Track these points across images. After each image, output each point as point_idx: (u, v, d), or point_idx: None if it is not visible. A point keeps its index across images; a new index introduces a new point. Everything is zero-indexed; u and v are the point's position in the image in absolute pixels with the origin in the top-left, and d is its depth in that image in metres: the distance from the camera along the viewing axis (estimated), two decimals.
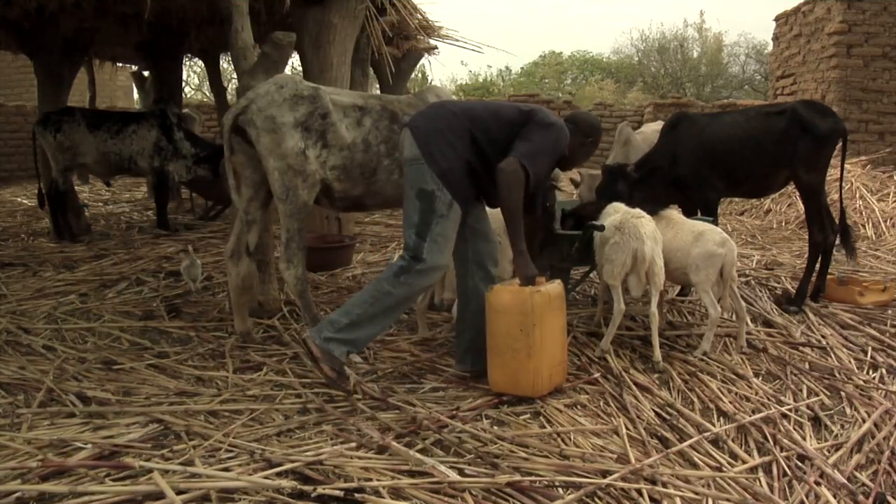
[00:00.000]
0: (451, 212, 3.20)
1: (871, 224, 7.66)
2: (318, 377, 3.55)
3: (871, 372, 3.80)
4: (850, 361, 3.90)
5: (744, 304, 4.11)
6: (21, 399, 3.27)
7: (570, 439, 2.94)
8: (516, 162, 3.12)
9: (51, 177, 7.05)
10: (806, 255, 4.98)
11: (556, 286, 3.37)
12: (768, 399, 3.40)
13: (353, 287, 5.19)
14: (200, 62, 12.48)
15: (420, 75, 20.24)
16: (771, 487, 2.67)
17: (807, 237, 5.01)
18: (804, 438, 3.04)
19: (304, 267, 3.79)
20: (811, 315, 4.56)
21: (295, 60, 15.23)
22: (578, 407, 3.27)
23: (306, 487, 2.38)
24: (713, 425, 3.13)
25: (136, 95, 16.37)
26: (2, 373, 3.52)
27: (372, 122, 3.88)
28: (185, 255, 5.17)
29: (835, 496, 2.59)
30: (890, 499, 2.65)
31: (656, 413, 3.24)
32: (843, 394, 3.49)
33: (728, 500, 2.52)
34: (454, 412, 3.09)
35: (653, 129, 8.21)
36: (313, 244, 5.84)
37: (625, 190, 4.77)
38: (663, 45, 25.25)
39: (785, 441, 2.97)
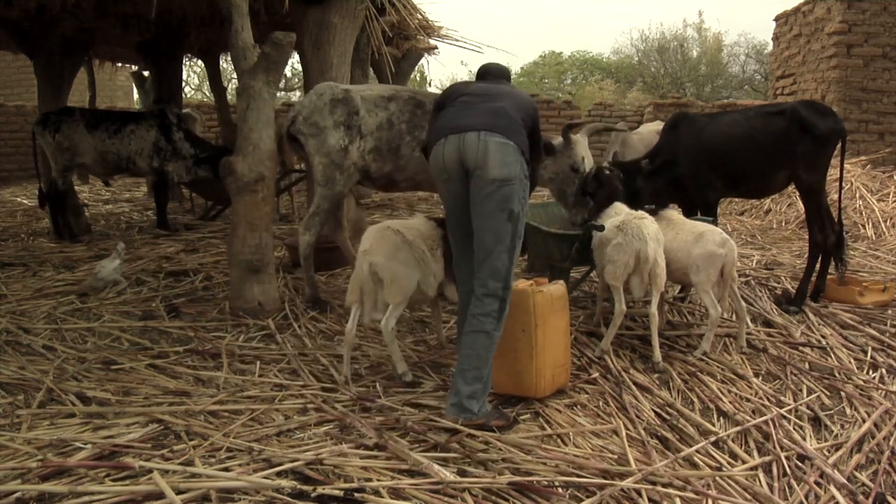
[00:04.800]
0: (523, 231, 3.09)
1: (870, 224, 7.65)
2: (315, 379, 3.56)
3: (871, 372, 3.80)
4: (850, 361, 3.90)
5: (744, 304, 4.11)
6: (21, 399, 3.27)
7: (570, 439, 2.94)
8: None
9: (50, 177, 7.05)
10: (806, 255, 4.98)
11: (558, 287, 3.36)
12: (768, 399, 3.41)
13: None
14: (200, 62, 12.48)
15: (419, 75, 20.23)
16: (771, 487, 2.67)
17: (807, 237, 5.01)
18: (804, 438, 3.05)
19: (316, 238, 4.46)
20: (811, 315, 4.56)
21: (295, 60, 15.25)
22: (578, 407, 3.27)
23: (306, 487, 2.38)
24: (713, 425, 3.13)
25: (136, 95, 16.38)
26: (2, 373, 3.52)
27: (397, 106, 4.46)
28: (115, 253, 5.12)
29: (835, 496, 2.59)
30: (890, 499, 2.66)
31: (656, 413, 3.24)
32: (843, 394, 3.50)
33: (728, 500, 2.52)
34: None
35: (649, 129, 8.21)
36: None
37: (644, 187, 4.73)
38: (663, 45, 25.21)
39: (785, 441, 2.98)
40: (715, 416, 3.27)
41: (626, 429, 3.02)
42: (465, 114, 3.12)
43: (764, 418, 3.14)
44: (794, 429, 3.12)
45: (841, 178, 5.07)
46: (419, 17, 7.30)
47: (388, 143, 4.44)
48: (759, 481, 2.69)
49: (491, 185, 2.96)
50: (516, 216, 2.99)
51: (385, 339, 3.46)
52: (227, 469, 2.54)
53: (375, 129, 4.39)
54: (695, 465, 2.78)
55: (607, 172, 4.35)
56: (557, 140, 4.52)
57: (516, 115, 3.11)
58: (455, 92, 3.35)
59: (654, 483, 2.55)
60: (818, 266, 4.80)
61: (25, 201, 9.94)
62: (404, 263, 3.40)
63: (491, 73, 3.48)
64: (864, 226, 7.66)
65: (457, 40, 8.01)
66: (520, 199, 3.00)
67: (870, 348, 4.06)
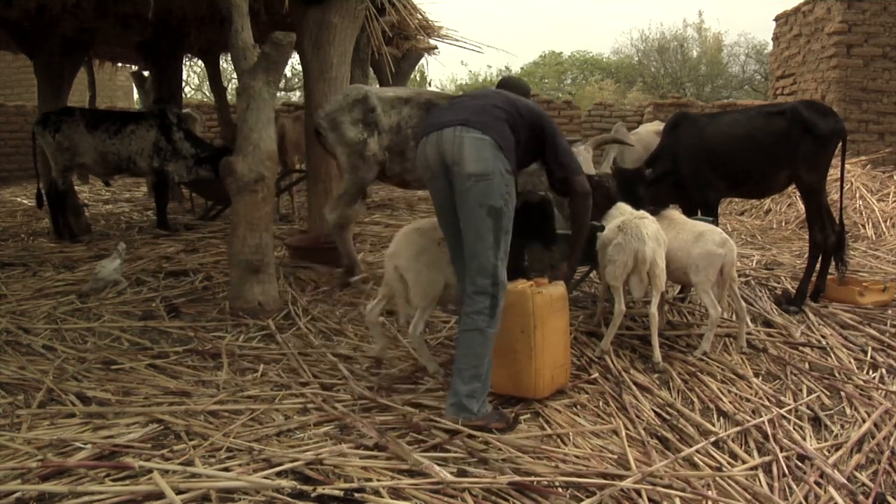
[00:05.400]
0: (511, 225, 3.05)
1: (870, 224, 7.65)
2: (315, 378, 3.56)
3: (871, 372, 3.80)
4: (850, 361, 3.90)
5: (744, 304, 4.11)
6: (21, 399, 3.27)
7: (570, 439, 2.94)
8: (585, 180, 3.32)
9: (50, 177, 7.05)
10: (806, 255, 4.98)
11: (558, 287, 3.36)
12: (768, 399, 3.41)
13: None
14: (200, 62, 12.48)
15: (420, 75, 20.22)
16: (771, 487, 2.67)
17: (807, 237, 5.01)
18: (804, 438, 3.05)
19: (341, 216, 4.79)
20: (811, 315, 4.56)
21: (295, 60, 15.22)
22: (578, 407, 3.27)
23: (306, 487, 2.38)
24: (713, 425, 3.13)
25: (136, 95, 16.37)
26: (2, 373, 3.52)
27: (409, 110, 4.68)
28: (115, 253, 5.14)
29: (834, 497, 2.59)
30: (890, 499, 2.66)
31: (656, 413, 3.24)
32: (843, 394, 3.50)
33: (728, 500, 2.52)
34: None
35: (647, 129, 8.19)
36: (312, 244, 5.84)
37: (644, 193, 4.72)
38: (663, 45, 25.20)
39: (785, 441, 2.98)
40: (715, 416, 3.27)
41: (626, 429, 3.02)
42: (447, 112, 3.15)
43: (764, 418, 3.14)
44: (794, 429, 3.12)
45: (842, 179, 5.06)
46: (419, 17, 7.29)
47: (397, 146, 4.67)
48: (759, 481, 2.69)
49: (468, 181, 2.94)
50: (498, 211, 2.95)
51: (413, 343, 3.57)
52: (227, 469, 2.54)
53: (388, 130, 4.70)
54: (695, 465, 2.78)
55: (596, 178, 4.35)
56: None
57: (500, 112, 3.07)
58: (452, 97, 3.37)
59: (654, 483, 2.55)
60: (818, 266, 4.80)
61: (25, 201, 9.94)
62: (428, 266, 3.40)
63: (508, 86, 3.53)
64: (864, 226, 7.66)
65: (457, 40, 8.01)
66: (502, 195, 2.95)
67: (870, 348, 4.06)
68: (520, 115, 3.14)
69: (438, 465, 2.58)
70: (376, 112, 4.64)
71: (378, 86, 9.55)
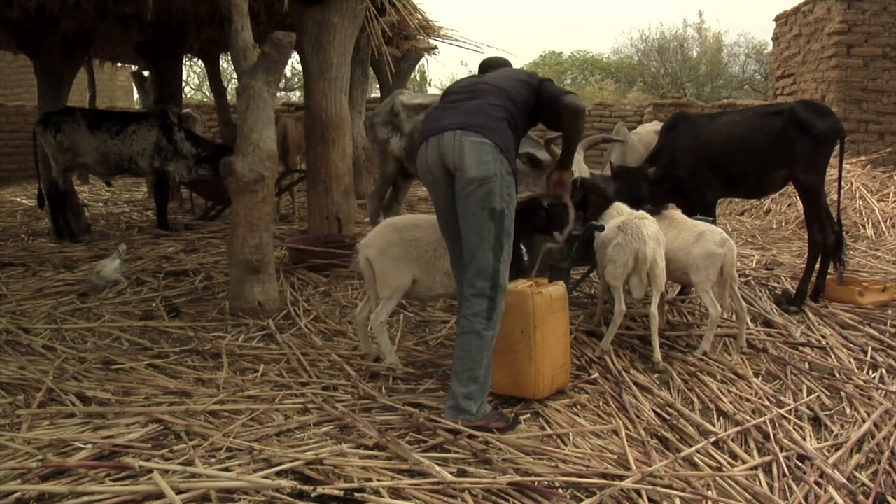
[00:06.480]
0: (512, 227, 3.01)
1: (870, 224, 7.65)
2: (315, 378, 3.56)
3: (871, 372, 3.80)
4: (850, 361, 3.90)
5: (744, 304, 4.11)
6: (21, 399, 3.26)
7: (570, 439, 2.94)
8: (574, 95, 3.13)
9: (51, 177, 7.05)
10: (806, 255, 4.98)
11: (558, 287, 3.35)
12: (768, 399, 3.41)
13: (353, 287, 5.20)
14: (200, 62, 12.48)
15: (419, 75, 20.22)
16: (771, 487, 2.67)
17: (807, 237, 5.01)
18: (804, 438, 3.04)
19: (379, 206, 5.76)
20: (811, 315, 4.56)
21: (295, 60, 15.22)
22: (578, 407, 3.27)
23: (306, 487, 2.38)
24: (713, 425, 3.13)
25: (136, 95, 16.38)
26: (2, 373, 3.51)
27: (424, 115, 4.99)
28: (116, 253, 5.17)
29: (834, 497, 2.59)
30: (890, 499, 2.65)
31: (656, 413, 3.24)
32: (843, 394, 3.49)
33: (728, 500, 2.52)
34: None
35: (648, 129, 8.20)
36: (313, 244, 5.84)
37: (646, 192, 4.71)
38: (663, 45, 25.21)
39: (785, 441, 2.97)
40: (715, 416, 3.27)
41: (626, 429, 3.02)
42: (445, 114, 3.09)
43: (764, 418, 3.14)
44: (794, 429, 3.12)
45: (840, 178, 5.07)
46: (419, 17, 7.30)
47: (412, 149, 5.08)
48: (759, 481, 2.69)
49: (470, 185, 2.92)
50: (499, 214, 2.92)
51: (374, 332, 3.59)
52: (227, 469, 2.54)
53: (407, 133, 5.23)
54: (695, 466, 2.78)
55: (591, 179, 4.34)
56: (543, 154, 4.47)
57: (498, 111, 3.03)
58: (447, 91, 3.32)
59: (654, 483, 2.54)
60: (818, 266, 4.80)
61: (25, 201, 9.95)
62: (395, 259, 3.50)
63: (492, 66, 3.50)
64: (864, 226, 7.66)
65: (457, 40, 8.01)
66: (503, 197, 2.93)
67: (870, 348, 4.06)
68: (514, 104, 3.09)
69: (438, 465, 2.58)
70: (399, 117, 5.30)
71: (378, 87, 9.59)
